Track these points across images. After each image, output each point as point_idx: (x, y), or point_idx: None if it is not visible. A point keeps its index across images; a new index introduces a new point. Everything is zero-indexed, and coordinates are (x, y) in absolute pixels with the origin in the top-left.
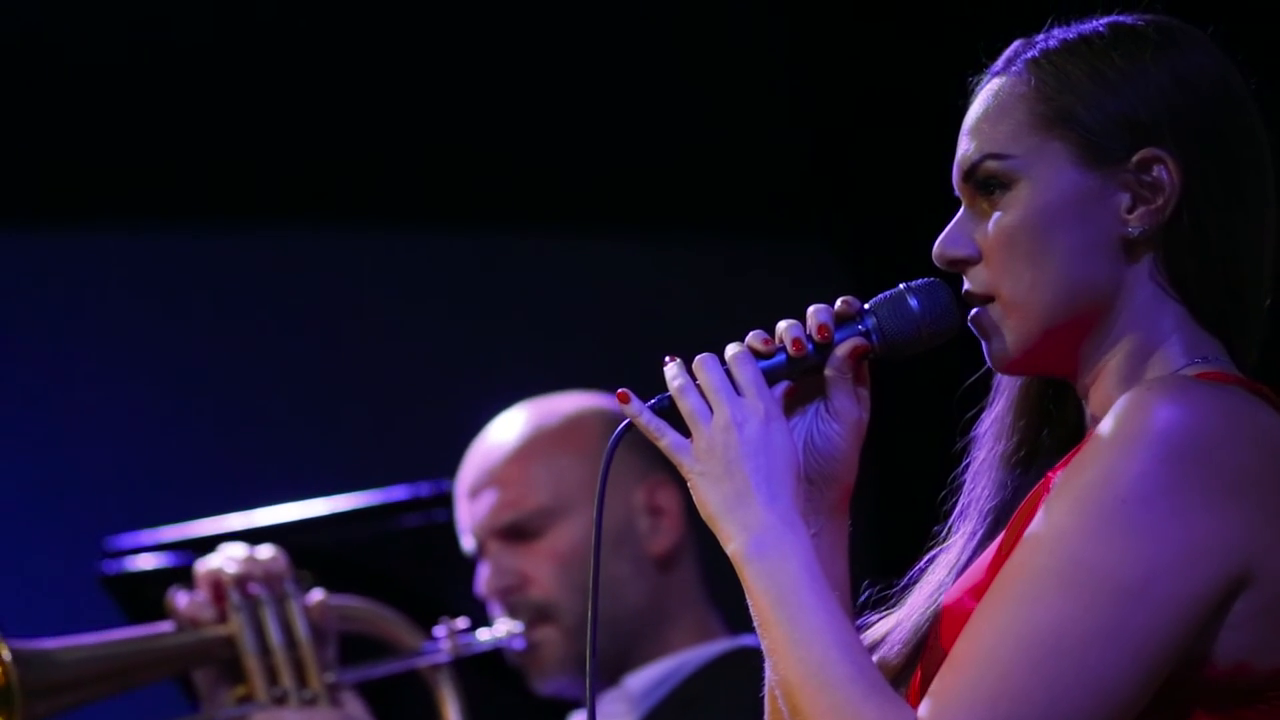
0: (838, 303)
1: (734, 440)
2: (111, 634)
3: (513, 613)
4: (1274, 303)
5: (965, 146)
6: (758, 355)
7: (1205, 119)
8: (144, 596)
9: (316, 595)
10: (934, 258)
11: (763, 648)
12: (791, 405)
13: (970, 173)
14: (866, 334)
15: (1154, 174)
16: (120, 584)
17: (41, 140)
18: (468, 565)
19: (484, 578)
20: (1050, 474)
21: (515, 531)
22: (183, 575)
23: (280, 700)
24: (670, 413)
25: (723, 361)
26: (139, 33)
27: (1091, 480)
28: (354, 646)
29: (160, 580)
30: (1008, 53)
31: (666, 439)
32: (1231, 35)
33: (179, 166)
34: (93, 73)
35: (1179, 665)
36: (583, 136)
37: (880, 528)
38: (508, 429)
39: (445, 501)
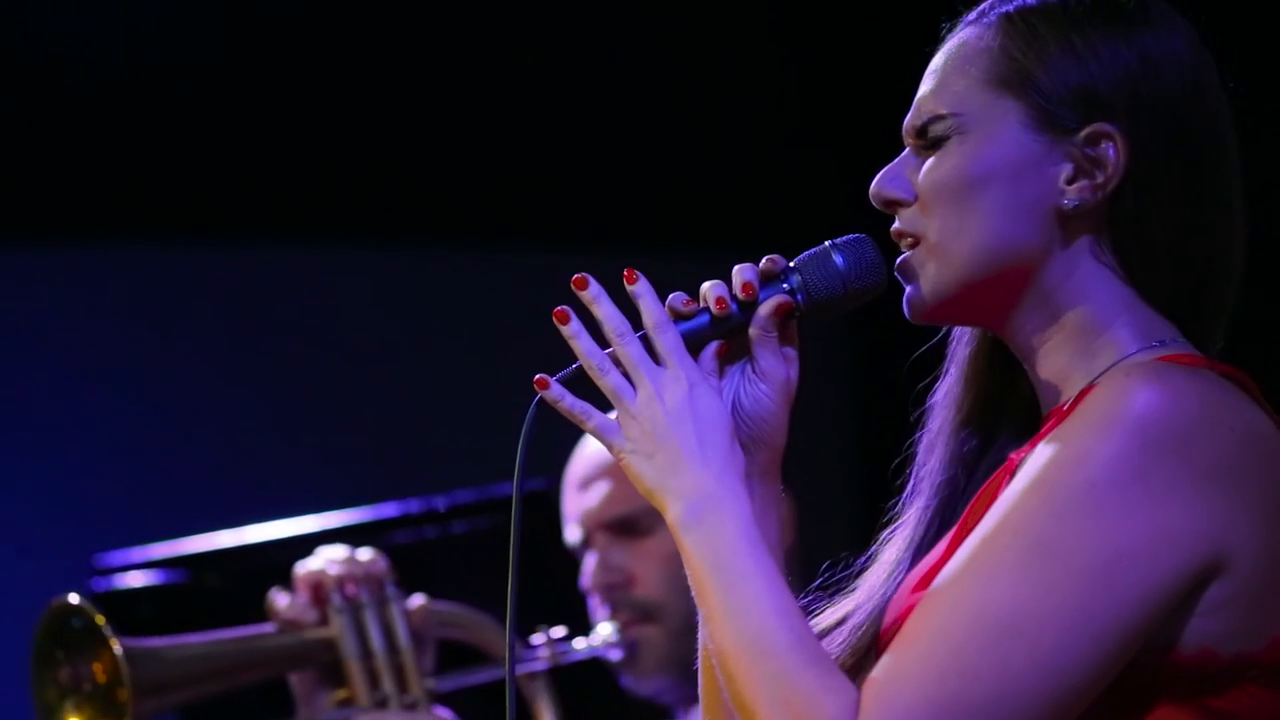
0: (763, 261)
1: (658, 412)
2: (214, 634)
3: (614, 609)
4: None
5: (923, 90)
6: (679, 317)
7: (1166, 106)
8: (134, 614)
9: (418, 600)
10: (870, 195)
11: (699, 616)
12: (720, 367)
13: (920, 130)
14: (791, 292)
15: (1100, 149)
16: (110, 602)
17: (34, 157)
18: (456, 583)
19: (589, 571)
20: (1013, 455)
21: (625, 526)
22: (172, 593)
23: (381, 705)
24: (581, 380)
25: (640, 329)
26: (118, 51)
27: (1062, 461)
28: (444, 653)
29: (150, 598)
30: (984, 4)
31: (593, 421)
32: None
33: (174, 184)
34: (86, 88)
35: (1143, 651)
36: (576, 154)
37: (861, 504)
38: None
39: (435, 518)
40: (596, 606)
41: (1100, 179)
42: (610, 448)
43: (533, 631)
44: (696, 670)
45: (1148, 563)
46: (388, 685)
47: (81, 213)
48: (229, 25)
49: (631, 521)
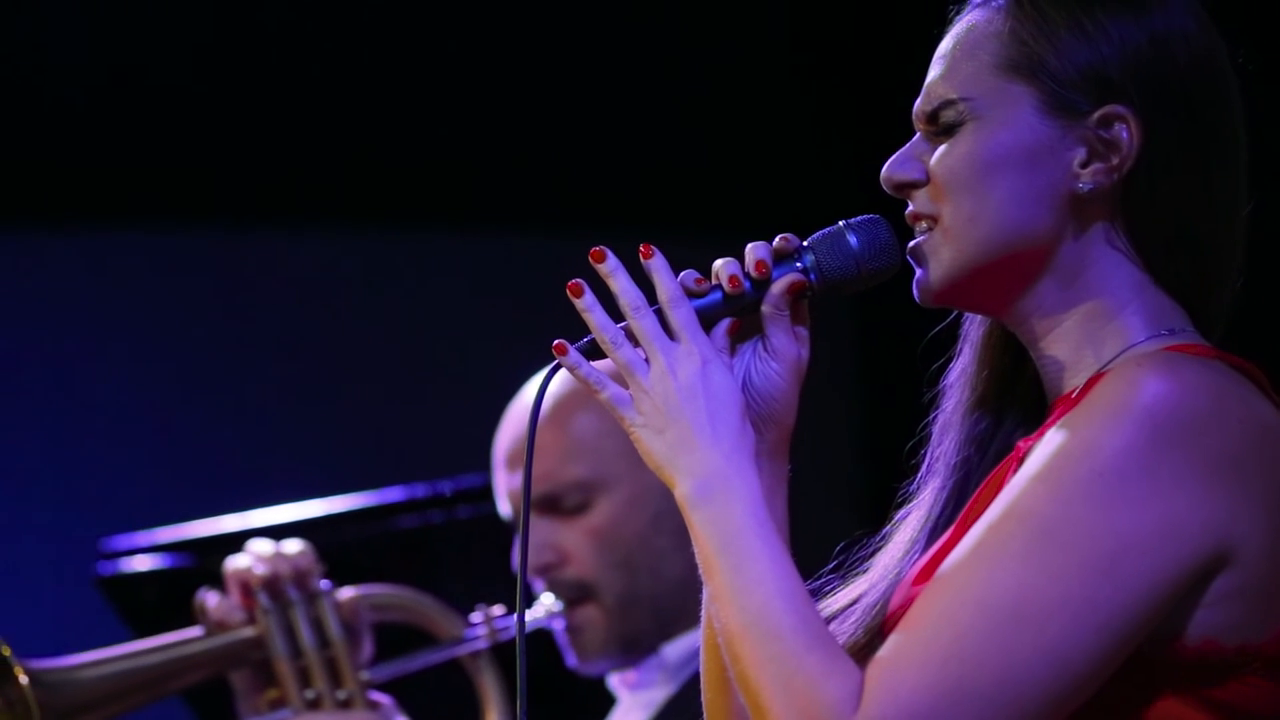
0: (776, 239)
1: (670, 388)
2: (137, 644)
3: (554, 590)
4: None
5: (932, 75)
6: (692, 295)
7: (1177, 86)
8: (139, 598)
9: (347, 592)
10: (881, 180)
11: (705, 594)
12: (731, 345)
13: (931, 115)
14: (805, 271)
15: (1114, 131)
16: (115, 585)
17: (33, 140)
18: (463, 567)
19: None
20: (1021, 443)
21: (550, 504)
22: (178, 577)
23: (314, 703)
24: (594, 354)
25: (655, 304)
26: (116, 39)
27: (1070, 450)
28: (389, 634)
29: (155, 582)
30: None
31: (607, 392)
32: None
33: (176, 165)
34: (87, 75)
35: (1147, 641)
36: (586, 137)
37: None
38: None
39: (441, 503)
40: (538, 588)
41: (1114, 161)
42: (622, 421)
43: (470, 612)
44: (637, 645)
45: (1154, 554)
46: (320, 683)
47: (85, 196)
48: (217, 11)
49: (555, 499)
